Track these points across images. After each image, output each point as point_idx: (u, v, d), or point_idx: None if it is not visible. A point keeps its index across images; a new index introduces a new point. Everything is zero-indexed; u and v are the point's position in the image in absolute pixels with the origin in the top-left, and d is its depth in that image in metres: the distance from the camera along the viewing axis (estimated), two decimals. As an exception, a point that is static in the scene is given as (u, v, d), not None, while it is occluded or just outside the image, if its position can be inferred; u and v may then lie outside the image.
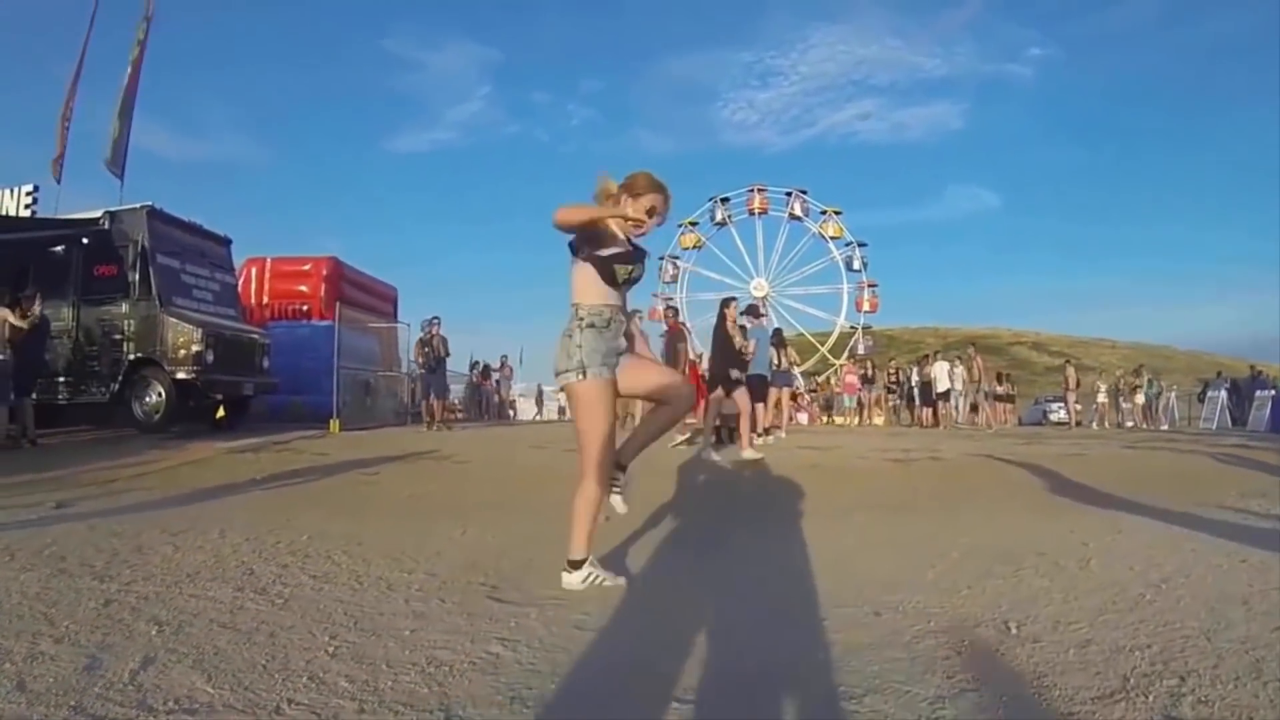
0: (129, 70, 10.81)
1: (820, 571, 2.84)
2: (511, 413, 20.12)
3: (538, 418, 20.70)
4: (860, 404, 17.12)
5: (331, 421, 9.62)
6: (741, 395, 6.88)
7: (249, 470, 5.86)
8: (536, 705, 1.56)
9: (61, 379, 8.40)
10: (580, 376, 2.39)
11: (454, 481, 5.61)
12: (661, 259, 31.51)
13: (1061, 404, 20.72)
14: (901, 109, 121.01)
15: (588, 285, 2.41)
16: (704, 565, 3.01)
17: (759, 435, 8.38)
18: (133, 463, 6.15)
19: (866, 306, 28.06)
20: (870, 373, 17.25)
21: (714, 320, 7.28)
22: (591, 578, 2.47)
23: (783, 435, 9.26)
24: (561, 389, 2.52)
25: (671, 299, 30.63)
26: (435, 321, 10.72)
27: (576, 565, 2.47)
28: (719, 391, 6.89)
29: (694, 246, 31.45)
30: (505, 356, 18.78)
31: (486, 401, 17.48)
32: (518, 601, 2.36)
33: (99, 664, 1.73)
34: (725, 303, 7.32)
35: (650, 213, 2.45)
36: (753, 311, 8.96)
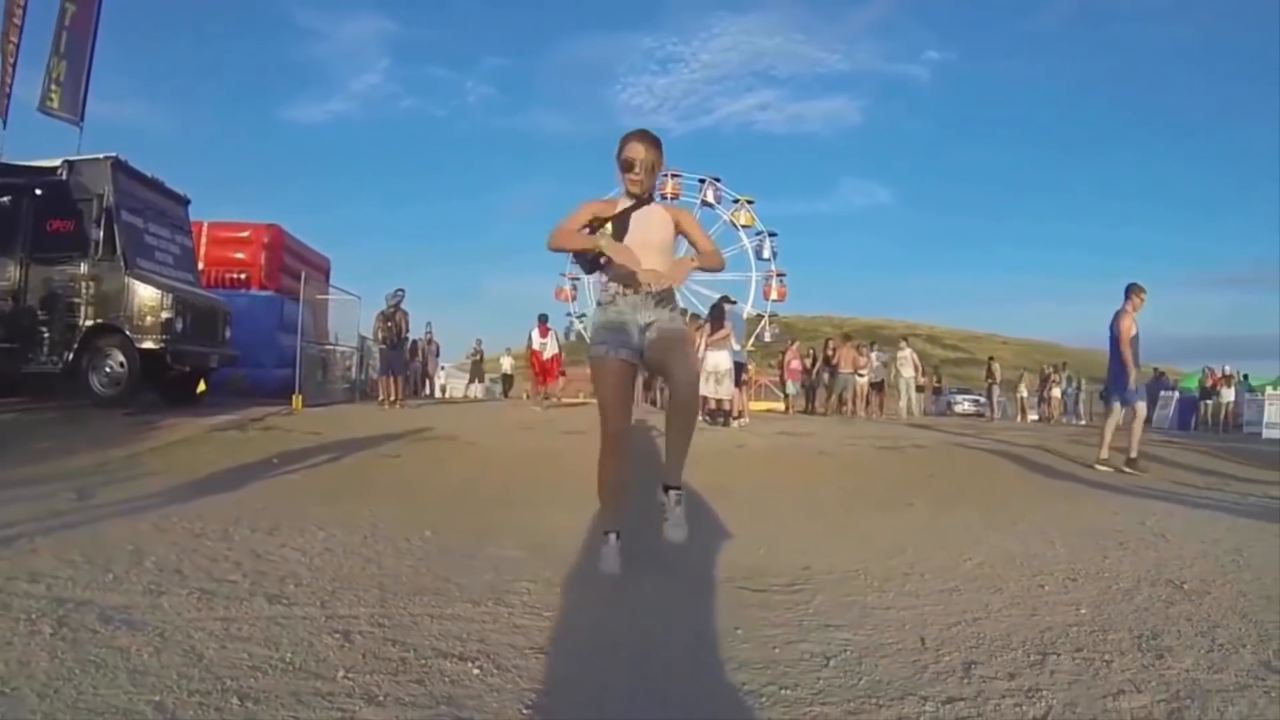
0: (72, 9, 10.05)
1: (973, 552, 3.42)
2: (441, 391, 20.16)
3: (471, 395, 20.40)
4: (801, 390, 17.41)
5: (294, 398, 9.90)
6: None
7: (250, 452, 5.99)
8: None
9: (5, 346, 7.93)
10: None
11: (481, 466, 5.80)
12: (572, 239, 32.64)
13: (966, 396, 24.52)
14: (800, 101, 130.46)
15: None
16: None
17: (735, 419, 9.53)
18: (115, 443, 6.11)
19: (774, 295, 29.95)
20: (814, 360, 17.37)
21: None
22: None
23: (747, 421, 10.24)
24: None
25: (578, 278, 31.54)
26: (400, 295, 10.94)
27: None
28: None
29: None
30: (430, 329, 18.35)
31: (414, 379, 17.29)
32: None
33: None
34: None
35: (627, 166, 2.75)
36: (727, 299, 10.10)
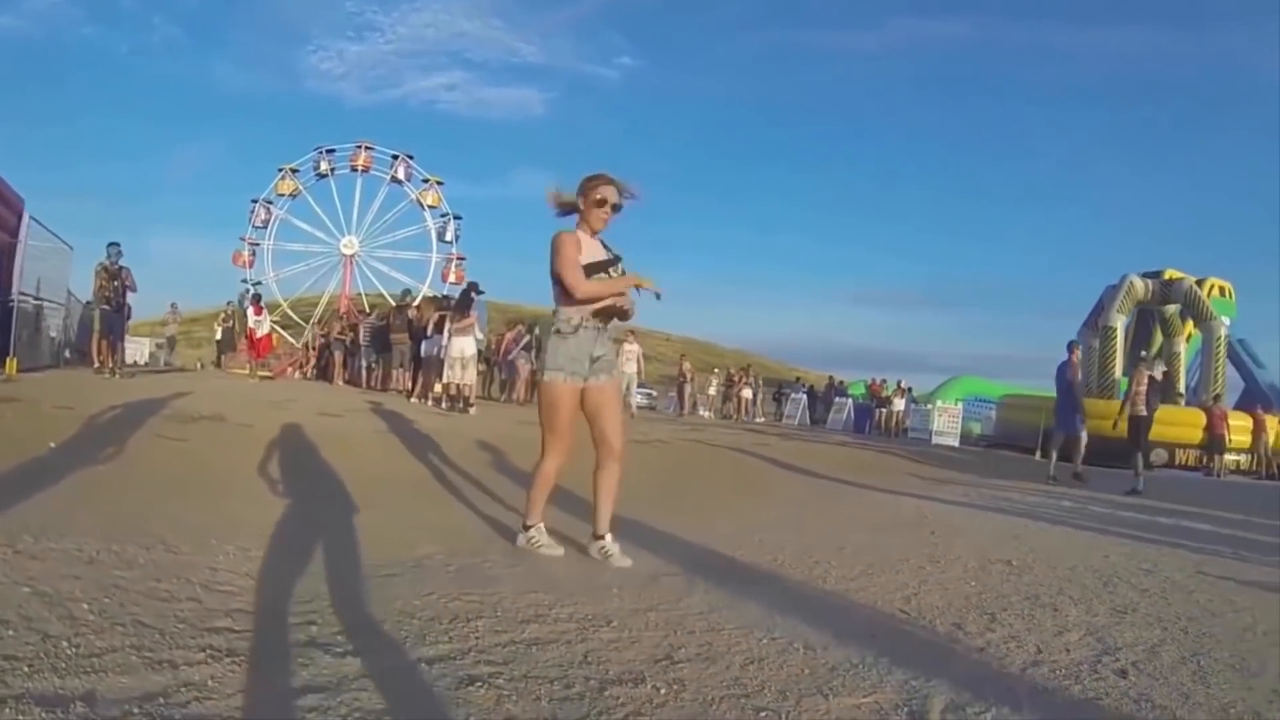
0: None
1: (839, 542, 4.26)
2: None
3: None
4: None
5: (10, 361, 9.31)
6: None
7: (11, 435, 5.29)
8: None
9: None
10: (542, 375, 3.29)
11: (281, 452, 5.78)
12: (255, 201, 31.67)
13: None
14: (488, 87, 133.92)
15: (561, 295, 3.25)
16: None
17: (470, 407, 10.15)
18: None
19: (452, 278, 30.74)
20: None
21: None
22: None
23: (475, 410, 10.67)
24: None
25: (258, 243, 31.53)
26: (119, 248, 10.22)
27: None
28: None
29: (290, 194, 32.40)
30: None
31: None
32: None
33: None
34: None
35: (600, 203, 3.20)
36: (475, 288, 10.76)
